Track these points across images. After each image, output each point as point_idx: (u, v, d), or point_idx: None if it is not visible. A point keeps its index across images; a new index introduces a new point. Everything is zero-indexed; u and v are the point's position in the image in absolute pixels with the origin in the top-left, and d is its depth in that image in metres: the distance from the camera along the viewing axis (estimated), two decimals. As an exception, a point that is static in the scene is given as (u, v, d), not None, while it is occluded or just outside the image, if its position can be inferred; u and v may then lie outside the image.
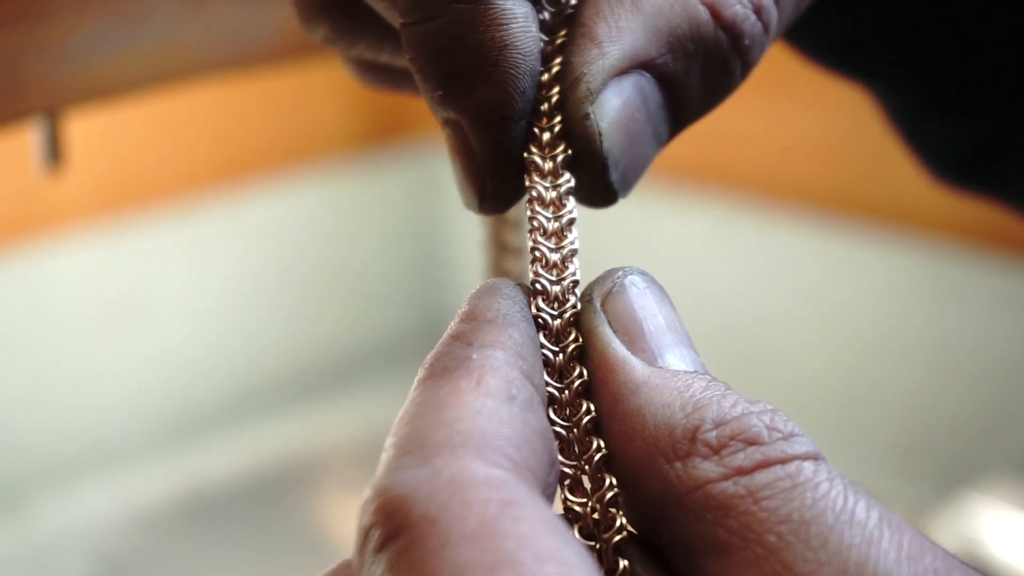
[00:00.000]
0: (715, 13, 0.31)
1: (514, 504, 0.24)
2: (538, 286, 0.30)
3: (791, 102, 1.49)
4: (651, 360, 0.28)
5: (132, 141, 1.64)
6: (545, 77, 0.32)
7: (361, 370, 1.85)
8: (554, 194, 0.31)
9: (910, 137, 0.51)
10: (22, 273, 1.56)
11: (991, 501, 1.24)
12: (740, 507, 0.25)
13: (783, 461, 0.25)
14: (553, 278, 0.30)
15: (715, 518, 0.25)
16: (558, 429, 0.28)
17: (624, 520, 0.27)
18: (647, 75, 0.31)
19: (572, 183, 0.31)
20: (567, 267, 0.30)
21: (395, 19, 0.32)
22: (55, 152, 0.62)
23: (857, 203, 1.48)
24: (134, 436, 1.65)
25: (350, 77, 0.42)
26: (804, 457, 0.25)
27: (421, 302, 1.94)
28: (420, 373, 0.27)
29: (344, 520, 1.54)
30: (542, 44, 0.32)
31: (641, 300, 0.29)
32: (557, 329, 0.29)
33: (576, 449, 0.28)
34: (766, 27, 0.32)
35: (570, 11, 0.33)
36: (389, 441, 0.26)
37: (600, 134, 0.31)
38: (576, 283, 0.30)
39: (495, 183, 0.32)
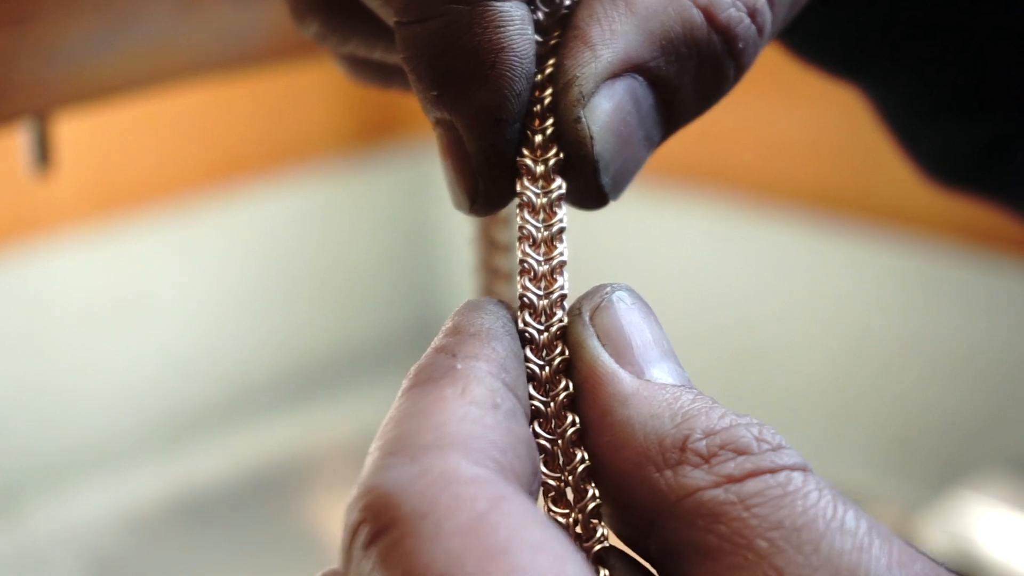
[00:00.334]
0: (709, 16, 0.31)
1: (503, 499, 0.24)
2: (525, 299, 0.30)
3: (786, 101, 1.49)
4: (638, 373, 0.28)
5: (122, 143, 1.63)
6: (538, 78, 0.32)
7: (354, 371, 1.84)
8: (545, 200, 0.31)
9: (905, 139, 0.51)
10: (12, 276, 1.55)
11: (984, 499, 1.25)
12: (731, 513, 0.25)
13: (773, 471, 0.26)
14: (540, 292, 0.30)
15: (706, 524, 0.25)
16: (542, 442, 0.29)
17: (606, 530, 0.27)
18: (640, 78, 0.31)
19: (563, 189, 0.31)
20: (555, 280, 0.30)
21: (389, 17, 0.32)
22: (44, 154, 0.62)
23: (852, 202, 1.49)
24: (127, 437, 1.65)
25: (341, 74, 0.42)
26: (793, 468, 0.26)
27: (414, 303, 1.93)
28: (405, 383, 0.28)
29: (337, 521, 1.53)
30: (536, 46, 0.32)
31: (629, 315, 0.29)
32: (543, 342, 0.30)
33: (560, 461, 0.28)
34: (760, 30, 0.32)
35: (564, 12, 0.32)
36: (374, 444, 0.26)
37: (591, 138, 0.31)
38: (564, 297, 0.30)
39: (487, 185, 0.32)
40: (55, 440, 1.59)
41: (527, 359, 0.29)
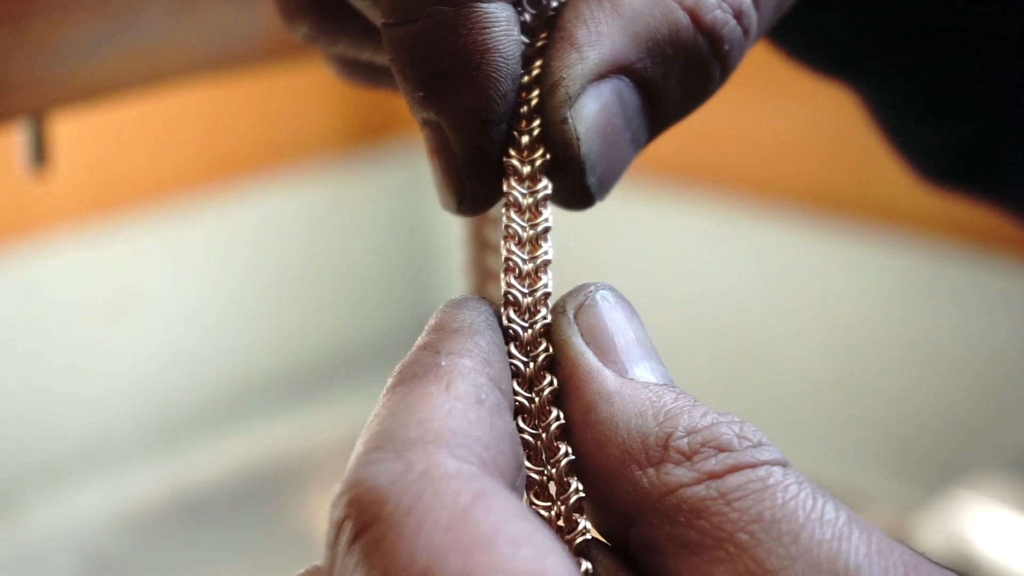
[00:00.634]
0: (695, 18, 0.32)
1: (485, 494, 0.24)
2: (510, 297, 0.30)
3: (780, 100, 1.50)
4: (621, 372, 0.28)
5: (119, 142, 1.63)
6: (525, 80, 0.32)
7: (349, 370, 1.84)
8: (531, 200, 0.31)
9: (896, 139, 0.51)
10: (8, 275, 1.55)
11: (980, 499, 1.25)
12: (712, 508, 0.25)
13: (753, 466, 0.26)
14: (525, 289, 0.30)
15: (687, 520, 0.25)
16: (526, 437, 0.29)
17: (588, 524, 0.28)
18: (626, 79, 0.31)
19: (549, 189, 0.31)
20: (540, 278, 0.31)
21: (377, 19, 0.32)
22: (40, 154, 0.62)
23: (848, 202, 1.49)
24: (124, 436, 1.65)
25: (331, 74, 0.42)
26: (773, 463, 0.26)
27: (409, 301, 1.93)
28: (390, 380, 0.28)
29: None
30: (523, 47, 0.32)
31: (612, 314, 0.29)
32: (527, 340, 0.30)
33: (543, 456, 0.29)
34: (746, 31, 0.32)
35: (551, 14, 0.33)
36: (359, 440, 0.26)
37: (578, 138, 0.31)
38: (548, 295, 0.30)
39: (474, 185, 0.32)
40: (51, 439, 1.59)
41: (511, 355, 0.29)
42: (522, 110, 0.32)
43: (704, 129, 1.39)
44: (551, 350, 0.29)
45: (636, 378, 0.28)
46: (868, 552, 0.24)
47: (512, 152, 0.32)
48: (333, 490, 0.25)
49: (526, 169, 0.31)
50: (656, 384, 0.28)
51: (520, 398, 0.29)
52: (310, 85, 1.77)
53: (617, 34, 0.31)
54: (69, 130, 0.96)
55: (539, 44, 0.32)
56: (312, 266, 1.84)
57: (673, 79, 0.32)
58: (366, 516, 0.24)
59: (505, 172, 0.31)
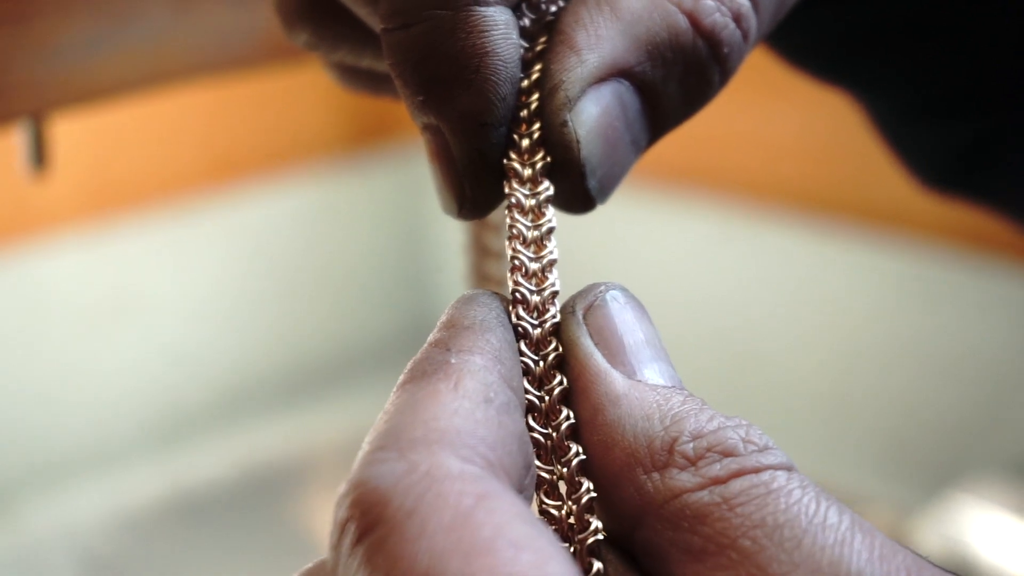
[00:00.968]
0: (694, 21, 0.32)
1: (489, 496, 0.24)
2: (518, 295, 0.30)
3: (779, 104, 1.50)
4: (630, 373, 0.28)
5: (118, 143, 1.63)
6: (525, 84, 0.32)
7: (348, 371, 1.84)
8: (533, 202, 0.31)
9: (895, 143, 0.51)
10: (8, 276, 1.55)
11: (978, 502, 1.25)
12: (715, 514, 0.25)
13: (757, 470, 0.26)
14: (533, 287, 0.30)
15: (691, 526, 0.25)
16: (536, 435, 0.29)
17: (599, 523, 0.27)
18: (626, 83, 0.31)
19: (551, 191, 0.31)
20: (547, 277, 0.31)
21: (376, 24, 0.32)
22: (40, 155, 0.62)
23: (847, 206, 1.49)
24: (123, 437, 1.65)
25: (332, 81, 0.42)
26: (777, 467, 0.26)
27: (408, 304, 1.93)
28: (401, 377, 0.28)
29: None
30: (522, 51, 0.32)
31: (622, 315, 0.29)
32: (537, 338, 0.30)
33: (554, 454, 0.28)
34: (745, 35, 0.32)
35: (550, 18, 0.33)
36: (367, 438, 0.26)
37: (578, 141, 0.31)
38: (556, 293, 0.30)
39: (474, 189, 0.32)
40: (51, 440, 1.59)
41: (521, 354, 0.29)
42: (522, 114, 0.32)
43: (703, 133, 1.40)
44: (560, 349, 0.29)
45: (645, 380, 0.28)
46: (870, 557, 0.24)
47: (512, 155, 0.32)
48: (338, 490, 0.25)
49: (527, 172, 0.31)
50: (664, 387, 0.28)
51: (530, 396, 0.29)
52: (310, 87, 1.77)
53: (616, 37, 0.31)
54: (69, 131, 0.96)
55: (538, 48, 0.32)
56: (311, 268, 1.84)
57: (673, 82, 0.32)
58: (369, 518, 0.24)
59: (506, 175, 0.32)
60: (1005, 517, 1.23)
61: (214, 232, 1.72)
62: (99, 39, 0.55)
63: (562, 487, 0.28)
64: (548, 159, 0.31)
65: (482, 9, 0.31)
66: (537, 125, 0.31)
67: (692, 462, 0.26)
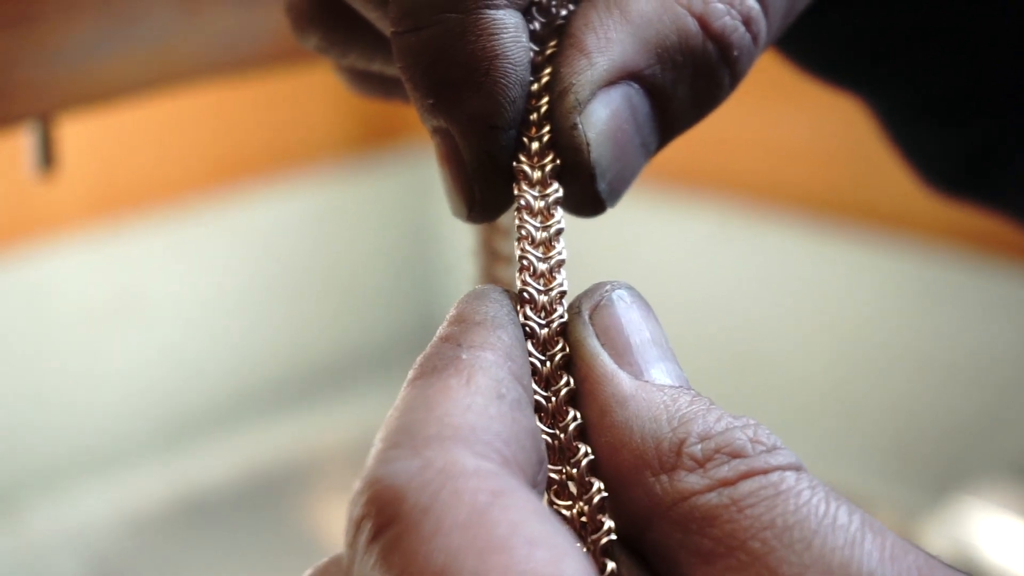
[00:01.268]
0: (704, 25, 0.32)
1: (504, 493, 0.24)
2: (526, 295, 0.30)
3: (786, 107, 1.50)
4: (637, 373, 0.28)
5: (125, 145, 1.64)
6: (535, 87, 0.32)
7: (354, 373, 1.84)
8: (542, 203, 0.31)
9: (903, 146, 0.51)
10: (15, 277, 1.55)
11: (984, 504, 1.24)
12: (724, 516, 0.25)
13: (766, 471, 0.26)
14: (541, 287, 0.30)
15: (700, 528, 0.25)
16: (545, 436, 0.28)
17: (611, 523, 0.27)
18: (635, 86, 0.31)
19: (560, 193, 0.31)
20: (555, 277, 0.30)
21: (387, 28, 0.32)
22: (47, 157, 0.62)
23: (851, 207, 1.49)
24: (129, 439, 1.65)
25: (343, 85, 0.42)
26: (786, 468, 0.26)
27: (414, 305, 1.94)
28: (411, 373, 0.27)
29: (338, 523, 1.54)
30: (532, 54, 0.32)
31: (628, 314, 0.29)
32: (544, 338, 0.30)
33: (563, 455, 0.28)
34: (755, 39, 0.32)
35: (560, 22, 0.33)
36: (379, 435, 0.26)
37: (588, 144, 0.31)
38: (563, 294, 0.30)
39: (484, 191, 0.32)
40: (56, 442, 1.60)
41: (529, 354, 0.29)
42: (532, 117, 0.32)
43: (710, 135, 1.40)
44: (568, 349, 0.29)
45: (652, 380, 0.28)
46: (881, 557, 0.24)
47: (522, 158, 0.32)
48: (353, 487, 0.25)
49: (536, 174, 0.31)
50: (671, 387, 0.28)
51: (537, 397, 0.29)
52: (316, 88, 1.77)
53: (627, 40, 0.31)
54: (76, 133, 0.96)
55: (549, 52, 0.32)
56: (317, 270, 1.84)
57: (683, 86, 0.32)
58: (385, 515, 0.24)
59: (515, 177, 0.32)
60: (1011, 519, 1.23)
61: (221, 234, 1.73)
62: (105, 40, 0.55)
63: (572, 487, 0.28)
64: (558, 162, 0.31)
65: (492, 12, 0.31)
66: (547, 128, 0.31)
67: (700, 464, 0.26)
